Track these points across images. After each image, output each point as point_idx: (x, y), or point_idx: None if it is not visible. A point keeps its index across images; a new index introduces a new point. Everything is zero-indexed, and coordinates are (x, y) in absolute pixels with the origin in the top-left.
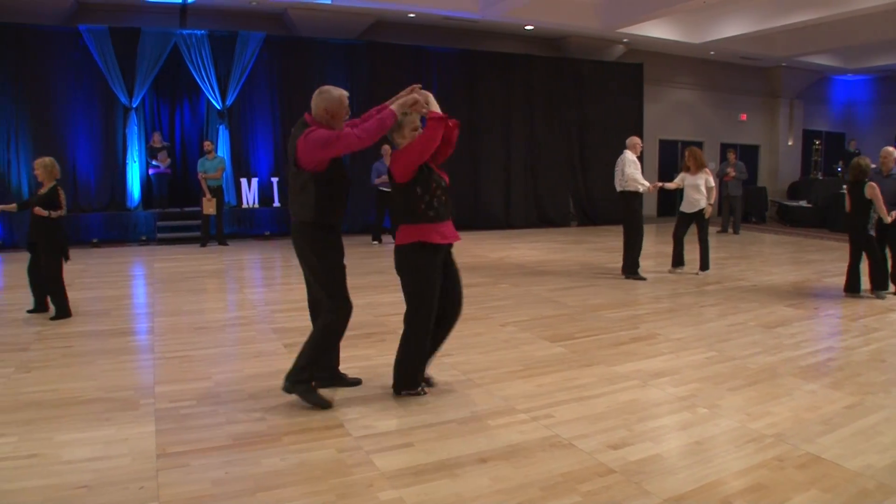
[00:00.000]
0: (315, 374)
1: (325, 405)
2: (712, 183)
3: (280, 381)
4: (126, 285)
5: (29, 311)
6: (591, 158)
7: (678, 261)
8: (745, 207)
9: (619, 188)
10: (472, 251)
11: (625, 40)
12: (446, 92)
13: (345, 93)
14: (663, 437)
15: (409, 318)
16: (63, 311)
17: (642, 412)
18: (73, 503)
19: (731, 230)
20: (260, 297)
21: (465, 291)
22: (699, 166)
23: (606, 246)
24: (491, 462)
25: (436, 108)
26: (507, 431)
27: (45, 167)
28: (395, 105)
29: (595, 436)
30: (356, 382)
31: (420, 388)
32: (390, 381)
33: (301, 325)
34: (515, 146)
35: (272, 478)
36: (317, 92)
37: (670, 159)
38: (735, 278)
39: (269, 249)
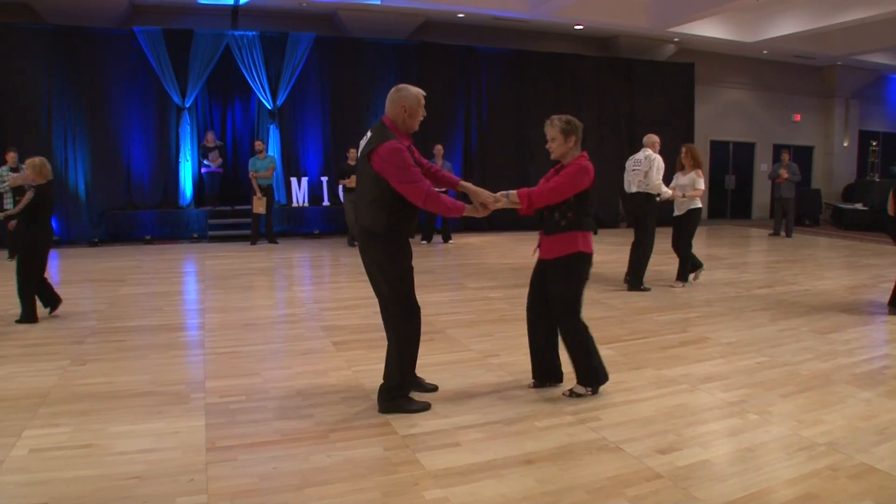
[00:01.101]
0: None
1: (425, 408)
2: (702, 185)
3: (328, 378)
4: (178, 282)
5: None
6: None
7: (695, 264)
8: (799, 210)
9: (635, 188)
10: (519, 252)
11: (675, 40)
12: (495, 92)
13: (422, 92)
14: (712, 443)
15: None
16: (26, 316)
17: (691, 417)
18: (125, 493)
19: (783, 233)
20: (309, 295)
21: (512, 293)
22: (694, 165)
23: (656, 247)
24: (537, 464)
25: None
26: (553, 433)
27: (33, 167)
28: (469, 209)
29: (643, 440)
30: (433, 388)
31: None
32: (438, 380)
33: (350, 323)
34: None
35: (319, 474)
36: (394, 89)
37: (722, 160)
38: (787, 282)
39: (319, 248)
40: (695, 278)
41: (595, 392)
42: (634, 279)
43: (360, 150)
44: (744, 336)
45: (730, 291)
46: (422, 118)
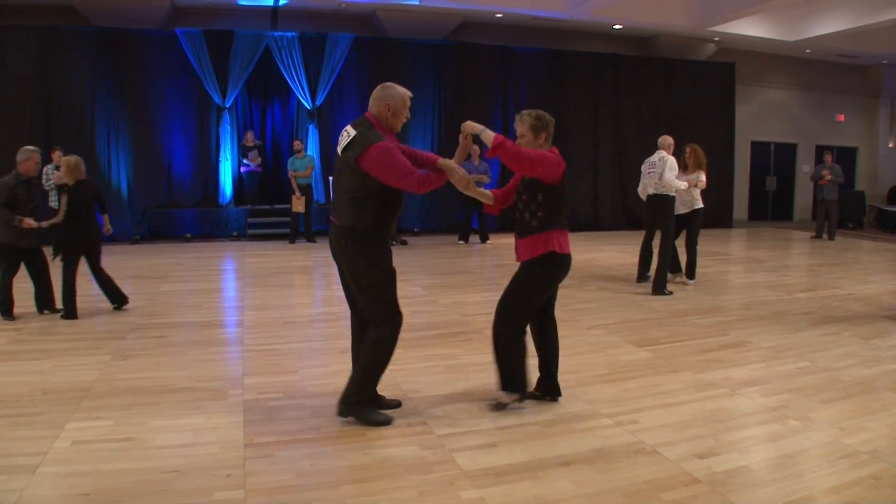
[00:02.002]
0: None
1: (386, 422)
2: (703, 185)
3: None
4: (217, 279)
5: (115, 308)
6: (680, 160)
7: (674, 266)
8: (841, 212)
9: (651, 191)
10: None
11: (716, 39)
12: (534, 92)
13: (409, 94)
14: (751, 449)
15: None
16: (68, 310)
17: (730, 421)
18: (164, 486)
19: (825, 236)
20: (341, 295)
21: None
22: (697, 164)
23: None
24: (574, 466)
25: (488, 133)
26: (590, 436)
27: (67, 166)
28: (446, 166)
29: (681, 444)
30: (396, 405)
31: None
32: (475, 381)
33: None
34: (603, 147)
35: (355, 472)
36: (380, 87)
37: (762, 161)
38: (829, 286)
39: None
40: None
41: (522, 400)
42: (659, 283)
43: (339, 145)
44: (784, 340)
45: (770, 295)
46: (405, 120)
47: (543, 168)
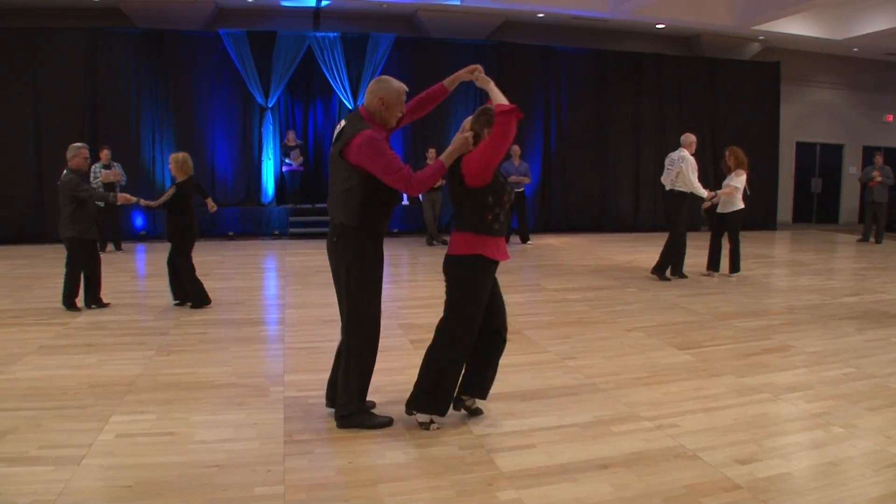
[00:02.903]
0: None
1: (387, 423)
2: (737, 184)
3: (405, 376)
4: (259, 277)
5: (176, 304)
6: (723, 161)
7: (714, 264)
8: (890, 215)
9: (668, 186)
10: (598, 253)
11: (760, 38)
12: (575, 92)
13: (405, 88)
14: (794, 455)
15: (446, 332)
16: (200, 300)
17: (772, 427)
18: (205, 481)
19: (872, 239)
20: (387, 292)
21: (591, 294)
22: (738, 165)
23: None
24: (612, 469)
25: (499, 97)
26: (630, 439)
27: (176, 162)
28: (444, 155)
29: (722, 449)
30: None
31: (434, 422)
32: (514, 381)
33: (427, 321)
34: (645, 148)
35: (394, 470)
36: (375, 80)
37: (808, 163)
38: (876, 290)
39: (397, 246)
40: (704, 275)
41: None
42: (662, 268)
43: (334, 139)
44: (829, 345)
45: (815, 299)
46: (399, 115)
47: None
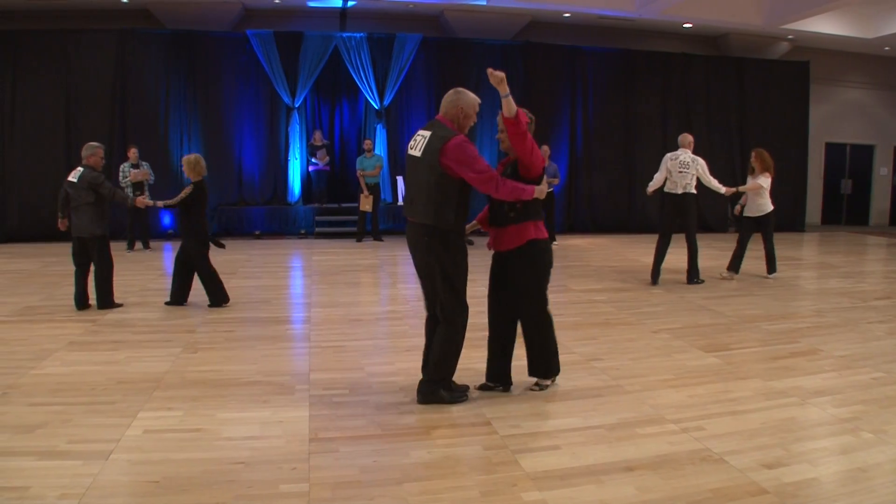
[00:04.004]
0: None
1: (464, 392)
2: (763, 184)
3: None
4: (285, 276)
5: (167, 303)
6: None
7: (735, 266)
8: None
9: (681, 190)
10: (624, 254)
11: (789, 37)
12: (601, 92)
13: (478, 100)
14: (822, 461)
15: (538, 309)
16: (218, 299)
17: (800, 432)
18: (231, 477)
19: None
20: (413, 292)
21: (618, 296)
22: (764, 168)
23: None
24: (638, 471)
25: (509, 105)
26: (655, 441)
27: (188, 164)
28: (537, 190)
29: (748, 453)
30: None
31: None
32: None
33: None
34: (672, 148)
35: (418, 469)
36: (454, 91)
37: (838, 163)
38: None
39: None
40: (723, 277)
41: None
42: (694, 272)
43: (417, 147)
44: (858, 349)
45: (844, 301)
46: (472, 124)
47: (536, 158)
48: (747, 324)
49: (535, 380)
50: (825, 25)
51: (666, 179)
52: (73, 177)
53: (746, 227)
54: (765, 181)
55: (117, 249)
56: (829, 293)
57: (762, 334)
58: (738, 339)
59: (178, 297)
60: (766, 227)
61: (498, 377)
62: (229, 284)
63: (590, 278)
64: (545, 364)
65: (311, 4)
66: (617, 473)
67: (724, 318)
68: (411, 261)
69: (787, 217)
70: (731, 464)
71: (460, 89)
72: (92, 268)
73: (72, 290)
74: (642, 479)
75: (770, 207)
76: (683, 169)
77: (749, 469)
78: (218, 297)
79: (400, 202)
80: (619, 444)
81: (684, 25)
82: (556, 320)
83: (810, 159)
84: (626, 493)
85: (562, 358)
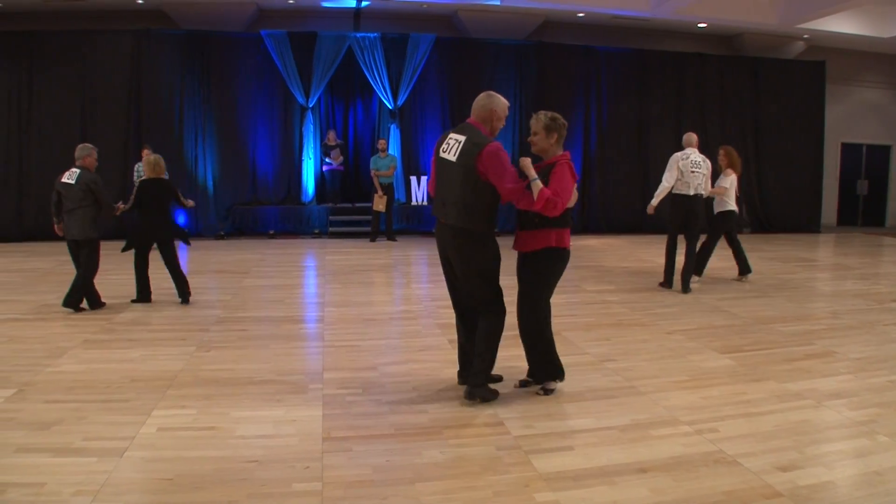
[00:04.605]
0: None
1: (495, 395)
2: (727, 185)
3: (444, 375)
4: (299, 275)
5: (133, 301)
6: (766, 162)
7: (698, 269)
8: None
9: (693, 192)
10: (638, 255)
11: (805, 36)
12: (615, 92)
13: (508, 103)
14: (837, 464)
15: (541, 313)
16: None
17: (815, 434)
18: (244, 475)
19: None
20: (426, 292)
21: (631, 297)
22: (730, 166)
23: (781, 255)
24: (651, 473)
25: (536, 188)
26: (669, 443)
27: (148, 164)
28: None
29: (762, 455)
30: (498, 378)
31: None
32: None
33: None
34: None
35: (431, 469)
36: (486, 94)
37: (854, 164)
38: None
39: (436, 246)
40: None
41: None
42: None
43: (451, 151)
44: (874, 352)
45: (860, 304)
46: (502, 126)
47: (566, 197)
48: (762, 325)
49: (539, 385)
50: (841, 25)
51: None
52: (67, 178)
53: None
54: (728, 180)
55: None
56: (844, 295)
57: (777, 336)
58: (752, 340)
59: (145, 294)
60: (716, 226)
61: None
62: (242, 284)
63: (603, 279)
64: (546, 368)
65: (325, 5)
66: (630, 475)
67: (738, 319)
68: (425, 261)
69: (802, 218)
70: (745, 466)
71: (492, 93)
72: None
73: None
74: (655, 480)
75: (729, 207)
76: (696, 169)
77: (763, 471)
78: (142, 294)
79: (414, 202)
80: (632, 446)
81: (699, 25)
82: (569, 321)
83: (826, 160)
84: (640, 495)
85: (575, 359)
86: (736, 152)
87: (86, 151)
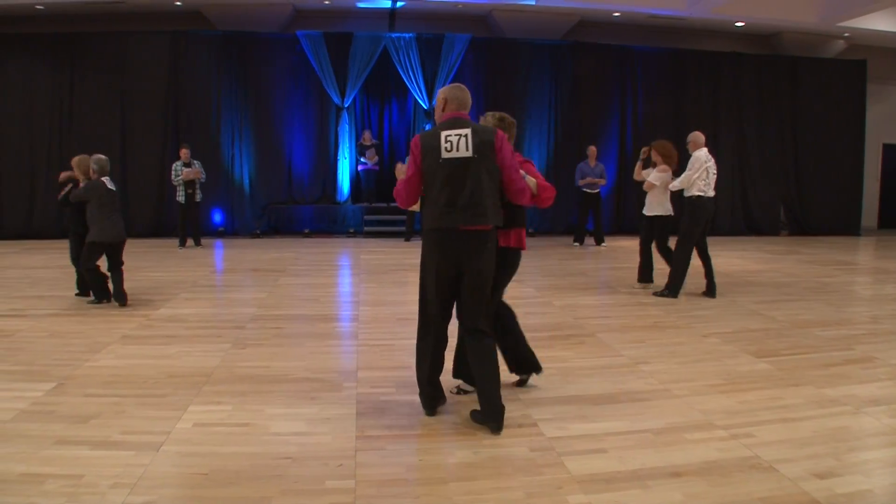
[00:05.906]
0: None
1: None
2: (655, 181)
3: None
4: (334, 274)
5: (77, 294)
6: (806, 164)
7: (645, 276)
8: None
9: (713, 193)
10: None
11: (846, 35)
12: (651, 92)
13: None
14: (876, 472)
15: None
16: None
17: (854, 441)
18: (278, 472)
19: None
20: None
21: (666, 299)
22: (663, 161)
23: (820, 258)
24: (685, 477)
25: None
26: (703, 447)
27: (77, 165)
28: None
29: (799, 461)
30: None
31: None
32: (587, 385)
33: None
34: (723, 149)
35: (464, 469)
36: (458, 86)
37: (895, 165)
38: None
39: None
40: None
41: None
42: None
43: (461, 147)
44: None
45: None
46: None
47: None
48: (800, 329)
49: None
50: (883, 23)
51: (695, 182)
52: (111, 185)
53: (644, 229)
54: (658, 177)
55: (170, 246)
56: (885, 299)
57: (815, 340)
58: (790, 344)
59: (84, 288)
60: (657, 231)
61: (520, 366)
62: (278, 282)
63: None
64: (518, 360)
65: (361, 5)
66: (664, 479)
67: (775, 323)
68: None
69: (842, 220)
70: (781, 472)
71: (460, 84)
72: (105, 267)
73: (126, 285)
74: (689, 485)
75: (663, 211)
76: (715, 171)
77: (800, 478)
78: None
79: None
80: (666, 450)
81: (736, 24)
82: (603, 322)
83: (867, 161)
84: (673, 500)
85: (610, 361)
86: (671, 145)
87: (86, 162)
